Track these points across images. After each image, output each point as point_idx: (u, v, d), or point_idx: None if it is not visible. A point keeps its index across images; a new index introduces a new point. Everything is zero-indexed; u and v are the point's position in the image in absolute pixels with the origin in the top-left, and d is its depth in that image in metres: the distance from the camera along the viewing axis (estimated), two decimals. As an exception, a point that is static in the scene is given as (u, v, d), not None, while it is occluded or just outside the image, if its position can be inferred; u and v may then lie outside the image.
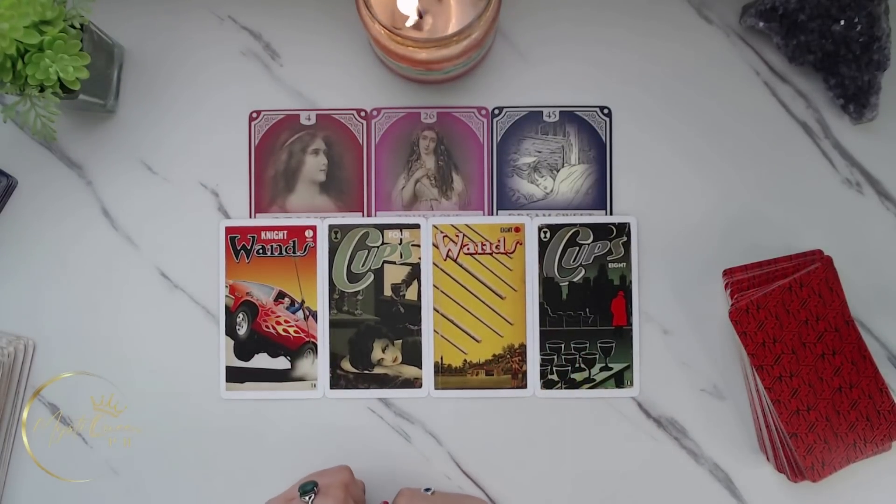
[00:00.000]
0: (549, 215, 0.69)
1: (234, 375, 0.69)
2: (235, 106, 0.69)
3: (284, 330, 0.69)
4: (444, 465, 0.68)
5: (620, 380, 0.68)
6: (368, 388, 0.69)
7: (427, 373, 0.68)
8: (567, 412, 0.68)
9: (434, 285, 0.69)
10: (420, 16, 0.61)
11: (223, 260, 0.69)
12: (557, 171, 0.69)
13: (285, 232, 0.69)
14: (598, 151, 0.69)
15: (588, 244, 0.68)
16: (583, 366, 0.68)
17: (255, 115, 0.69)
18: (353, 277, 0.69)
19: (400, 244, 0.69)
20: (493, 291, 0.68)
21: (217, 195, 0.69)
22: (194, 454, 0.69)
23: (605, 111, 0.69)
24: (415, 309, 0.68)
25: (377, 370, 0.68)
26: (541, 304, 0.68)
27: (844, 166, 0.68)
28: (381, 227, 0.69)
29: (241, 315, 0.69)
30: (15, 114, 0.60)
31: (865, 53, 0.64)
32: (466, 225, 0.69)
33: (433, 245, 0.69)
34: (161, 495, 0.69)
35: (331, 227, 0.69)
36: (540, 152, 0.69)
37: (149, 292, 0.69)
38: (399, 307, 0.69)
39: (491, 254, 0.69)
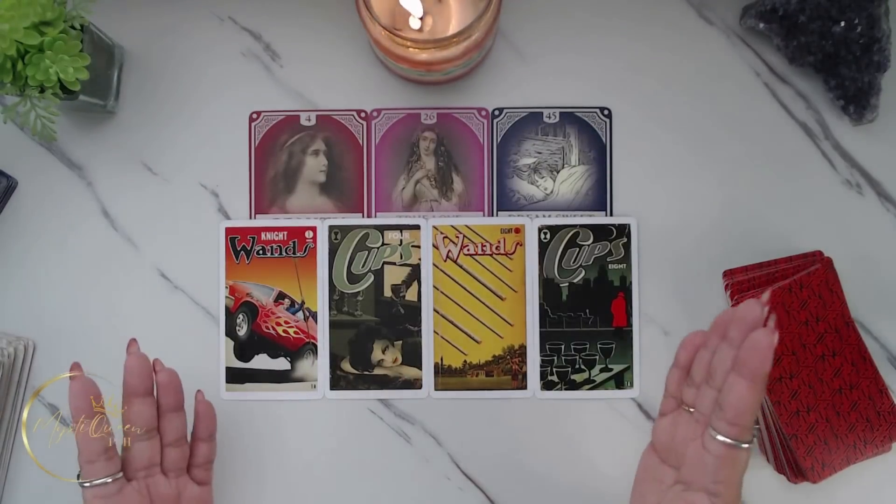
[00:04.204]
0: (550, 216, 0.69)
1: (235, 376, 0.69)
2: (236, 107, 0.69)
3: (284, 331, 0.69)
4: (444, 466, 0.68)
5: (620, 381, 0.68)
6: (368, 388, 0.69)
7: (427, 374, 0.68)
8: (567, 413, 0.68)
9: (434, 286, 0.69)
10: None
11: (223, 261, 0.69)
12: (557, 172, 0.69)
13: (285, 233, 0.69)
14: (599, 152, 0.69)
15: (588, 245, 0.68)
16: (583, 367, 0.68)
17: (255, 115, 0.69)
18: (353, 278, 0.69)
19: (400, 245, 0.69)
20: (493, 292, 0.68)
21: (217, 196, 0.69)
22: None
23: (606, 112, 0.69)
24: (415, 310, 0.69)
25: (377, 371, 0.68)
26: (541, 306, 0.68)
27: (844, 167, 0.68)
28: (381, 228, 0.69)
29: (241, 316, 0.69)
30: (15, 115, 0.60)
31: (865, 55, 0.64)
32: (466, 226, 0.69)
33: (433, 246, 0.69)
34: (161, 496, 0.69)
35: (331, 227, 0.69)
36: (540, 153, 0.69)
37: (149, 293, 0.69)
38: (399, 308, 0.69)
39: (491, 255, 0.69)
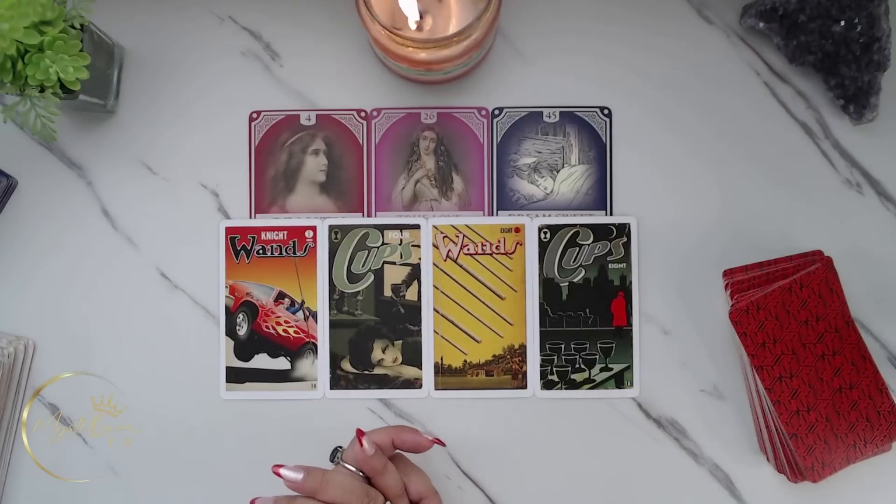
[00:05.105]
0: (550, 216, 0.69)
1: (234, 376, 0.69)
2: (235, 106, 0.69)
3: (284, 330, 0.69)
4: (444, 466, 0.68)
5: (620, 380, 0.68)
6: (368, 388, 0.69)
7: (427, 373, 0.68)
8: (567, 413, 0.68)
9: (434, 286, 0.69)
10: (420, 16, 0.61)
11: (223, 260, 0.69)
12: (557, 171, 0.69)
13: (285, 232, 0.69)
14: (599, 152, 0.69)
15: (588, 245, 0.68)
16: (583, 366, 0.68)
17: (255, 115, 0.69)
18: (353, 278, 0.69)
19: (400, 245, 0.69)
20: (493, 292, 0.68)
21: (217, 195, 0.69)
22: (194, 454, 0.69)
23: (606, 112, 0.69)
24: (415, 309, 0.69)
25: (377, 371, 0.68)
26: (541, 305, 0.68)
27: (844, 167, 0.68)
28: (382, 228, 0.69)
29: (241, 315, 0.69)
30: (15, 114, 0.60)
31: (865, 54, 0.64)
32: (466, 225, 0.69)
33: (433, 245, 0.69)
34: (161, 495, 0.69)
35: (331, 227, 0.69)
36: (540, 153, 0.69)
37: (149, 292, 0.69)
38: (399, 307, 0.69)
39: (491, 254, 0.69)
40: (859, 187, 0.68)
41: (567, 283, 0.68)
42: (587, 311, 0.68)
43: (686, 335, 0.68)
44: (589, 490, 0.68)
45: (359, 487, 0.57)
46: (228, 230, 0.69)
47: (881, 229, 0.68)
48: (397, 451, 0.62)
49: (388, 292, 0.69)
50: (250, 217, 0.69)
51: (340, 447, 0.61)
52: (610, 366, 0.68)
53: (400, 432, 0.61)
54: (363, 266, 0.69)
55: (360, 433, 0.59)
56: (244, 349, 0.69)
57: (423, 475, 0.62)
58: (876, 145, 0.68)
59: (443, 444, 0.63)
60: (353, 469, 0.59)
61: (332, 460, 0.61)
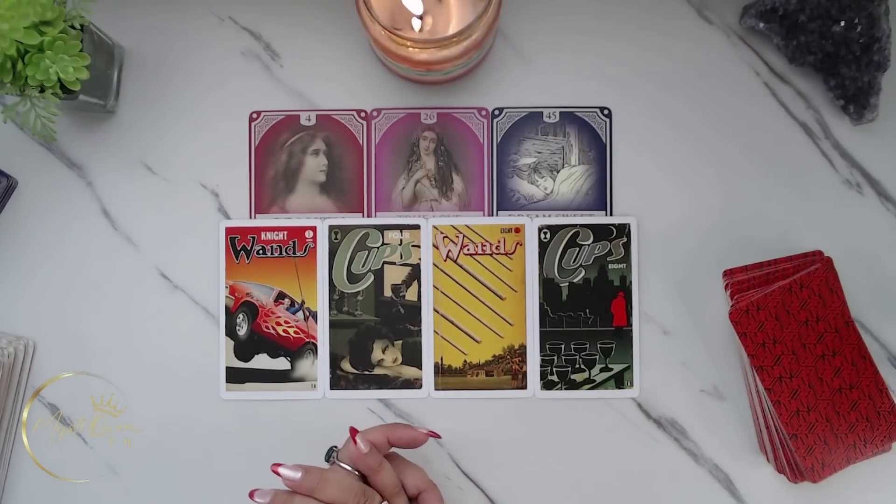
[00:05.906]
0: (550, 216, 0.69)
1: (234, 376, 0.69)
2: (235, 106, 0.69)
3: (284, 330, 0.69)
4: (444, 466, 0.68)
5: (620, 380, 0.68)
6: (368, 388, 0.69)
7: (427, 373, 0.68)
8: (567, 413, 0.68)
9: (434, 286, 0.69)
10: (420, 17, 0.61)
11: (223, 260, 0.69)
12: (557, 171, 0.69)
13: (285, 232, 0.69)
14: (599, 152, 0.69)
15: (588, 245, 0.68)
16: (583, 366, 0.68)
17: (255, 115, 0.69)
18: (353, 278, 0.69)
19: (400, 245, 0.69)
20: (493, 292, 0.68)
21: (217, 196, 0.69)
22: (194, 454, 0.69)
23: (606, 112, 0.69)
24: (415, 309, 0.69)
25: (377, 371, 0.69)
26: (541, 305, 0.68)
27: (844, 167, 0.68)
28: (381, 228, 0.69)
29: (241, 316, 0.69)
30: (15, 114, 0.60)
31: (865, 54, 0.64)
32: (466, 226, 0.69)
33: (433, 246, 0.69)
34: (161, 495, 0.69)
35: (331, 227, 0.69)
36: (540, 153, 0.69)
37: (149, 292, 0.69)
38: (399, 308, 0.69)
39: (491, 254, 0.69)
40: (859, 187, 0.68)
41: (567, 284, 0.68)
42: (587, 311, 0.68)
43: (686, 335, 0.68)
44: (589, 490, 0.68)
45: (356, 486, 0.57)
46: (228, 230, 0.69)
47: (881, 229, 0.68)
48: (392, 450, 0.62)
49: (388, 292, 0.69)
50: (250, 217, 0.69)
51: (335, 447, 0.61)
52: (610, 366, 0.68)
53: (394, 429, 0.61)
54: (363, 266, 0.69)
55: (353, 431, 0.59)
56: (244, 349, 0.69)
57: (419, 469, 0.62)
58: (876, 145, 0.68)
59: (438, 437, 0.63)
60: (348, 468, 0.59)
61: (327, 460, 0.61)
